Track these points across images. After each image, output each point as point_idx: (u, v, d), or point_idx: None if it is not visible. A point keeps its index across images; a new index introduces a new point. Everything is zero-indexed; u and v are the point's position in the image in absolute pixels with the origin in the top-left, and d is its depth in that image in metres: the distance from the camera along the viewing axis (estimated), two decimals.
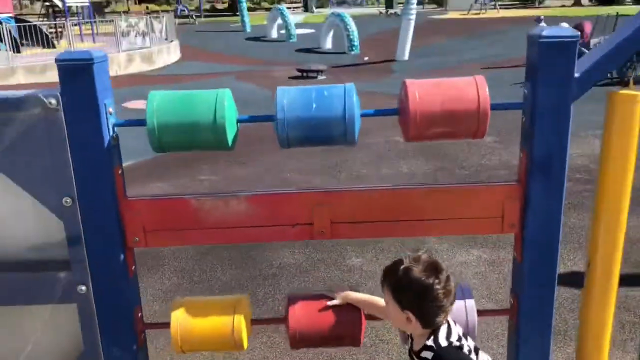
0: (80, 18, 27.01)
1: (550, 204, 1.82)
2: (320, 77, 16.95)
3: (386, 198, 1.92)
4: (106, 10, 50.27)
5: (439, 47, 21.17)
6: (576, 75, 1.75)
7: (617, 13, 12.51)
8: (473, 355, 1.61)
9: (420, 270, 1.52)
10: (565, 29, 1.73)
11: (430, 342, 1.56)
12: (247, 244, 3.91)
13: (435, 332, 1.57)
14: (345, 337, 1.98)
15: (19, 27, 19.77)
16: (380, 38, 24.81)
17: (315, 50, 23.34)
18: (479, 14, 38.96)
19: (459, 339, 1.59)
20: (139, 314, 2.05)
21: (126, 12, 49.43)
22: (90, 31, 24.82)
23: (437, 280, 1.51)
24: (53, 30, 23.47)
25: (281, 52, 22.60)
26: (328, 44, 24.27)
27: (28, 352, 2.05)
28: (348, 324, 1.96)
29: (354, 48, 22.08)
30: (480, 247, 3.98)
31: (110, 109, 1.83)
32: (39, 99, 1.76)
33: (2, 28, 17.04)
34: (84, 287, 1.93)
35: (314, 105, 1.75)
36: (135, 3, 69.73)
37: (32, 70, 16.82)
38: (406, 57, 18.91)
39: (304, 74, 17.19)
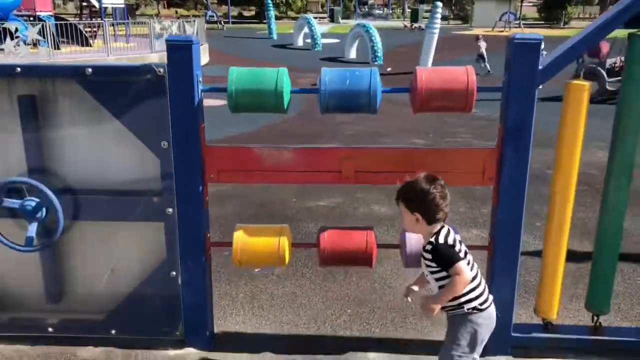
0: (112, 19, 28.01)
1: (519, 162, 2.47)
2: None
3: (396, 155, 2.60)
4: (137, 13, 51.52)
5: (460, 61, 21.76)
6: (540, 67, 2.40)
7: (629, 34, 13.00)
8: (462, 255, 2.23)
9: (421, 181, 2.16)
10: (533, 34, 2.38)
11: (432, 240, 2.20)
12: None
13: (437, 233, 2.20)
14: (361, 259, 2.64)
15: (57, 25, 20.75)
16: (404, 51, 25.46)
17: (339, 60, 24.03)
18: (502, 31, 39.53)
19: (454, 241, 2.22)
20: (208, 235, 2.72)
21: (157, 15, 50.81)
22: (123, 32, 25.82)
23: (434, 186, 2.14)
24: (89, 29, 24.51)
25: (306, 60, 23.34)
26: (352, 54, 24.96)
27: (122, 258, 2.74)
28: (363, 249, 2.62)
29: (377, 59, 22.74)
30: (479, 228, 4.57)
31: (200, 79, 2.52)
32: (151, 68, 2.46)
33: (45, 26, 17.99)
34: (170, 210, 2.62)
35: (348, 81, 2.42)
36: (164, 7, 71.40)
37: None
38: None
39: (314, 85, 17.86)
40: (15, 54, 15.98)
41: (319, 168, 2.61)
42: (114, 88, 2.51)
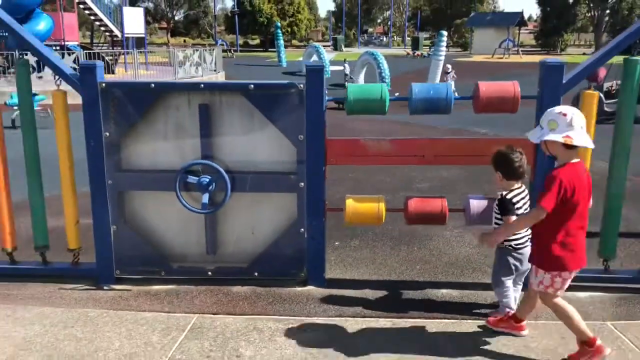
0: (126, 48, 29.32)
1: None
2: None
3: (464, 143, 3.69)
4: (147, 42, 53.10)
5: (464, 87, 22.99)
6: (564, 81, 3.50)
7: (624, 59, 14.23)
8: (520, 212, 3.24)
9: (503, 149, 3.22)
10: (557, 60, 3.49)
11: (503, 193, 3.25)
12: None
13: (511, 191, 3.26)
14: (438, 218, 3.70)
15: (84, 54, 22.03)
16: (410, 77, 26.72)
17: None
18: (502, 58, 41.08)
19: (518, 200, 3.25)
20: (325, 202, 3.78)
21: (167, 44, 52.45)
22: (141, 60, 27.11)
23: (511, 153, 3.18)
24: (110, 57, 25.81)
25: None
26: (361, 80, 26.25)
27: (264, 220, 3.80)
28: (439, 211, 3.68)
29: (385, 84, 24.05)
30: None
31: (326, 92, 3.62)
32: (295, 84, 3.56)
33: (79, 55, 19.24)
34: (302, 184, 3.69)
35: (431, 92, 3.53)
36: (170, 36, 73.28)
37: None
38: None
39: (340, 106, 19.08)
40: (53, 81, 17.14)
41: (408, 153, 3.69)
42: (267, 98, 3.61)
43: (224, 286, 3.84)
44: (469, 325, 3.31)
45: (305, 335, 3.15)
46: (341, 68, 30.91)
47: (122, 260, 3.86)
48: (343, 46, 57.76)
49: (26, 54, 4.01)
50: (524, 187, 3.35)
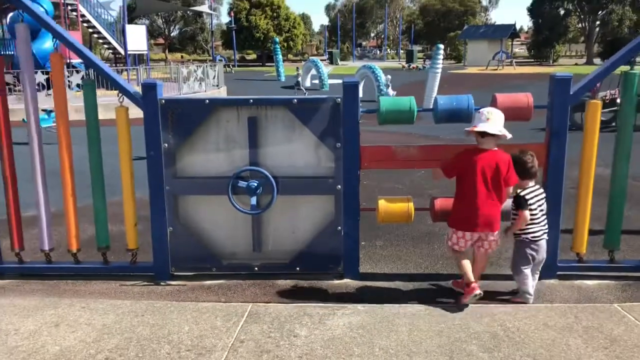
0: (129, 64, 29.82)
1: (560, 151, 4.01)
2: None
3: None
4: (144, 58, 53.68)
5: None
6: (571, 93, 3.97)
7: (622, 72, 14.81)
8: (533, 207, 3.72)
9: (518, 152, 3.70)
10: (566, 73, 3.96)
11: (519, 191, 3.71)
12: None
13: (525, 188, 3.72)
14: None
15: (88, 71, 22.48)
16: (407, 89, 27.31)
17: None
18: (496, 69, 41.82)
19: (533, 197, 3.72)
20: (359, 202, 4.22)
21: (165, 60, 53.03)
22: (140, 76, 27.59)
23: (524, 155, 3.67)
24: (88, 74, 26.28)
25: None
26: (359, 93, 26.78)
27: (304, 219, 4.24)
28: None
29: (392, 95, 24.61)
30: None
31: (361, 104, 4.07)
32: (334, 98, 4.02)
33: (87, 73, 19.68)
34: (339, 187, 4.13)
35: (455, 103, 3.99)
36: (164, 51, 73.93)
37: (108, 107, 19.36)
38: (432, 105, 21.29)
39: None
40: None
41: (431, 158, 4.14)
42: (308, 111, 4.07)
43: (269, 280, 4.27)
44: (492, 308, 3.74)
45: (351, 319, 3.58)
46: (339, 81, 31.63)
47: (177, 258, 4.29)
48: (339, 60, 58.54)
49: (87, 74, 4.43)
50: (538, 186, 3.81)
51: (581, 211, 4.14)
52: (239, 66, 52.38)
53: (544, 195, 3.84)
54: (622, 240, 4.31)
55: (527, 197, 3.76)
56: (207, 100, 4.13)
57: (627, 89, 4.03)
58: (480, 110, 3.74)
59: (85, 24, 26.29)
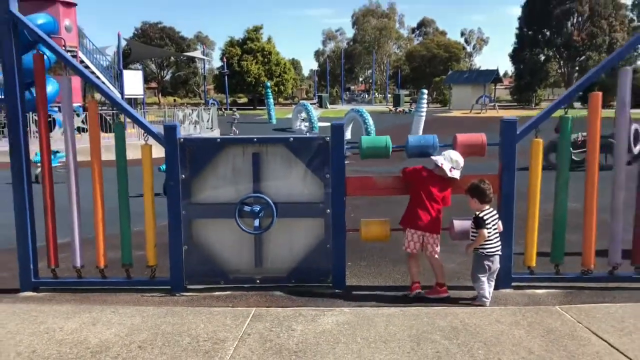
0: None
1: (510, 182, 4.85)
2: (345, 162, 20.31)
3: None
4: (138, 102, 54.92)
5: (444, 139, 24.66)
6: (517, 132, 4.85)
7: (560, 116, 15.88)
8: (489, 226, 4.54)
9: (476, 182, 4.54)
10: (512, 117, 4.85)
11: (477, 213, 4.53)
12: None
13: (482, 211, 4.54)
14: None
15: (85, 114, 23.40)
16: (394, 131, 28.40)
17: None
18: (479, 113, 43.35)
19: (489, 218, 4.53)
20: (345, 224, 5.02)
21: (158, 104, 54.27)
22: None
23: (485, 184, 4.52)
24: (110, 117, 27.25)
25: None
26: (347, 135, 27.87)
27: (299, 239, 5.02)
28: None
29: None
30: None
31: (347, 145, 4.92)
32: (323, 137, 4.87)
33: (87, 116, 20.57)
34: (328, 211, 4.94)
35: (422, 141, 4.86)
36: (156, 95, 75.45)
37: (109, 149, 20.16)
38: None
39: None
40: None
41: (404, 186, 4.97)
42: (303, 147, 4.91)
43: (269, 291, 5.03)
44: (456, 309, 4.52)
45: (338, 318, 4.32)
46: (329, 124, 32.89)
47: (190, 273, 5.04)
48: (328, 103, 60.13)
49: (118, 115, 5.26)
50: (493, 209, 4.65)
51: (529, 232, 4.97)
52: (230, 109, 53.66)
53: (497, 216, 4.67)
54: (569, 259, 5.12)
55: (485, 217, 4.59)
56: (219, 139, 4.97)
57: (563, 130, 4.92)
58: (445, 152, 4.75)
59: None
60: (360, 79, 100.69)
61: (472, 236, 4.67)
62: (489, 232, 4.57)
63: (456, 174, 4.69)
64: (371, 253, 6.31)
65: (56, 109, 23.34)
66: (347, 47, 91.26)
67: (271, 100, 37.61)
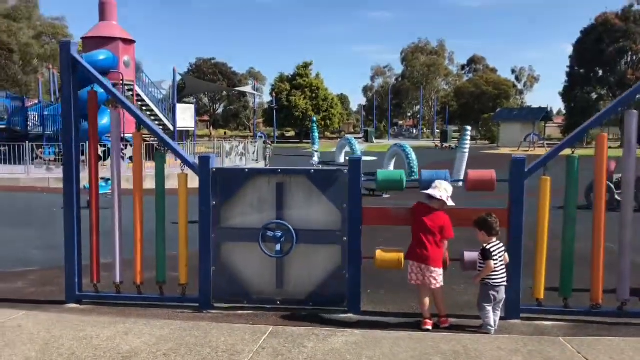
0: (177, 139, 32.05)
1: (518, 217, 5.11)
2: (385, 196, 20.50)
3: (455, 212, 5.28)
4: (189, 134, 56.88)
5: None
6: (526, 170, 5.12)
7: (567, 155, 15.67)
8: (495, 257, 4.80)
9: (484, 215, 4.83)
10: (521, 156, 5.13)
11: (485, 245, 4.80)
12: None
13: (489, 243, 4.81)
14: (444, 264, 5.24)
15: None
16: (434, 167, 28.53)
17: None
18: (527, 150, 42.85)
19: (495, 250, 4.80)
20: (361, 251, 5.36)
21: (208, 136, 56.08)
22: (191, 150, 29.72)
23: (490, 218, 4.80)
24: (160, 148, 28.46)
25: None
26: (391, 167, 28.15)
27: (317, 264, 5.38)
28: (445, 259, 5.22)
29: (413, 174, 25.80)
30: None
31: (363, 177, 5.30)
32: (343, 171, 5.28)
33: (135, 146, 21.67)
34: (345, 238, 5.30)
35: (434, 175, 5.19)
36: (207, 127, 77.81)
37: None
38: (460, 184, 22.50)
39: (371, 192, 20.79)
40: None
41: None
42: (323, 178, 5.32)
43: (288, 312, 5.39)
44: (461, 335, 4.77)
45: (348, 338, 4.64)
46: (374, 158, 33.32)
47: (217, 292, 5.47)
48: (374, 138, 60.70)
49: (161, 148, 5.83)
50: (499, 242, 4.91)
51: (538, 265, 5.18)
52: (278, 143, 54.94)
53: (504, 249, 4.93)
54: (579, 294, 5.29)
55: (492, 249, 4.86)
56: (247, 170, 5.45)
57: (569, 168, 5.17)
58: (436, 184, 5.05)
59: (139, 102, 28.78)
60: (409, 114, 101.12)
61: (480, 267, 4.93)
62: (495, 264, 4.83)
63: (452, 202, 4.98)
64: (392, 282, 6.59)
65: (109, 139, 24.76)
66: (395, 82, 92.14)
67: (316, 135, 38.26)
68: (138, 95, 28.23)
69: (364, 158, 25.90)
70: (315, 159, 27.89)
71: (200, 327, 4.89)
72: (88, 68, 5.54)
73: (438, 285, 5.02)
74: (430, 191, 5.03)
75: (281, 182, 5.38)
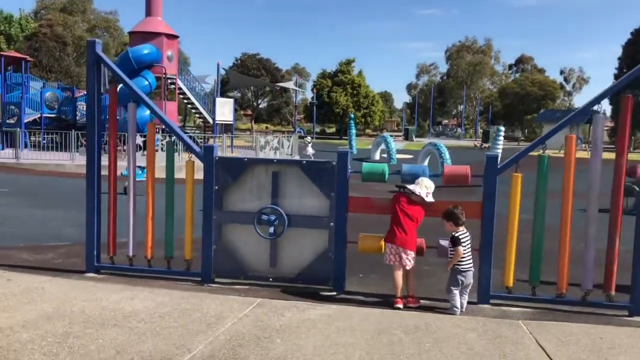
0: (216, 132, 33.05)
1: (490, 210, 5.54)
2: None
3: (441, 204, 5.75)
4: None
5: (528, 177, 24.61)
6: (498, 167, 5.55)
7: (538, 154, 15.50)
8: (463, 244, 5.26)
9: (451, 207, 5.30)
10: (495, 153, 5.56)
11: (453, 234, 5.27)
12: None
13: (457, 232, 5.27)
14: (420, 252, 5.71)
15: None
16: (471, 167, 28.64)
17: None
18: None
19: (462, 237, 5.26)
20: (346, 236, 5.88)
21: (250, 130, 57.31)
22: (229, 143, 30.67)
23: (458, 210, 5.27)
24: (202, 140, 29.55)
25: None
26: (425, 163, 28.41)
27: (307, 246, 5.94)
28: (420, 247, 5.69)
29: None
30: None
31: (350, 167, 5.83)
32: (331, 162, 5.82)
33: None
34: (332, 224, 5.84)
35: (414, 170, 5.67)
36: (251, 122, 79.20)
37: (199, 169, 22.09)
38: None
39: (400, 190, 21.23)
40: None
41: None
42: (313, 169, 5.87)
43: (279, 288, 5.98)
44: (428, 314, 5.25)
45: (324, 311, 5.19)
46: (409, 156, 33.60)
47: (218, 268, 6.10)
48: (414, 136, 60.68)
49: (172, 137, 6.50)
50: (466, 230, 5.36)
51: (508, 255, 5.60)
52: (317, 138, 55.60)
53: (470, 237, 5.37)
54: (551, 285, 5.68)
55: (460, 237, 5.31)
56: (246, 159, 6.05)
57: (540, 166, 5.56)
58: (419, 180, 5.54)
59: (181, 96, 29.92)
60: (453, 113, 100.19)
61: (450, 253, 5.39)
62: (464, 250, 5.28)
63: (431, 198, 5.45)
64: (386, 268, 7.06)
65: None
66: (440, 81, 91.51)
67: (353, 131, 38.84)
68: (180, 88, 29.35)
69: (399, 156, 26.43)
70: (309, 149, 28.53)
71: (196, 297, 5.53)
72: (110, 65, 6.24)
73: (411, 266, 5.51)
74: (411, 187, 5.54)
75: (277, 171, 5.96)
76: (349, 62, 67.40)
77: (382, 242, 5.74)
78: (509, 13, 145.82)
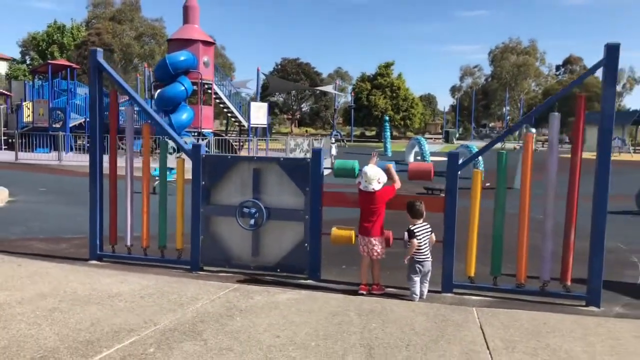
0: (251, 136, 33.93)
1: (452, 204, 5.87)
2: (442, 195, 21.02)
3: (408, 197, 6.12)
4: (273, 131, 59.21)
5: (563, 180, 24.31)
6: (459, 163, 5.88)
7: (498, 151, 15.18)
8: (419, 236, 5.62)
9: (412, 200, 5.68)
10: (456, 151, 5.89)
11: (410, 226, 5.64)
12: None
13: (414, 225, 5.65)
14: (387, 243, 6.10)
15: (215, 139, 26.53)
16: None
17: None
18: (612, 155, 40.93)
19: (419, 231, 5.62)
20: (321, 229, 6.32)
21: (290, 133, 58.15)
22: (261, 146, 31.49)
23: (418, 203, 5.64)
24: (236, 143, 30.39)
25: None
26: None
27: (285, 238, 6.41)
28: (388, 238, 6.08)
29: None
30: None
31: (325, 164, 6.27)
32: (306, 159, 6.27)
33: (210, 141, 23.54)
34: (307, 217, 6.29)
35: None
36: (295, 126, 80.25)
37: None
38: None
39: (429, 192, 21.36)
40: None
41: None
42: (290, 166, 6.34)
43: (259, 276, 6.47)
44: (388, 300, 5.62)
45: (292, 295, 5.64)
46: (444, 159, 33.71)
47: (205, 257, 6.64)
48: (455, 139, 60.20)
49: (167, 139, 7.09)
50: (426, 223, 5.72)
51: (470, 246, 5.92)
52: (355, 141, 56.04)
53: (429, 229, 5.73)
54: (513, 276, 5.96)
55: (415, 230, 5.67)
56: (229, 157, 6.57)
57: (499, 162, 5.86)
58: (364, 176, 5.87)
59: (217, 100, 30.88)
60: (498, 115, 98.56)
61: (407, 245, 5.75)
62: (419, 242, 5.64)
63: (375, 186, 5.77)
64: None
65: (188, 133, 26.97)
66: (484, 83, 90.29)
67: (388, 134, 39.10)
68: (216, 93, 30.28)
69: (433, 158, 26.65)
70: (333, 150, 29.26)
71: (180, 282, 6.08)
72: (109, 71, 6.88)
73: (379, 257, 5.88)
74: (363, 187, 5.89)
75: (258, 167, 6.46)
76: (387, 65, 67.52)
77: (352, 233, 6.15)
78: (557, 13, 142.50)
